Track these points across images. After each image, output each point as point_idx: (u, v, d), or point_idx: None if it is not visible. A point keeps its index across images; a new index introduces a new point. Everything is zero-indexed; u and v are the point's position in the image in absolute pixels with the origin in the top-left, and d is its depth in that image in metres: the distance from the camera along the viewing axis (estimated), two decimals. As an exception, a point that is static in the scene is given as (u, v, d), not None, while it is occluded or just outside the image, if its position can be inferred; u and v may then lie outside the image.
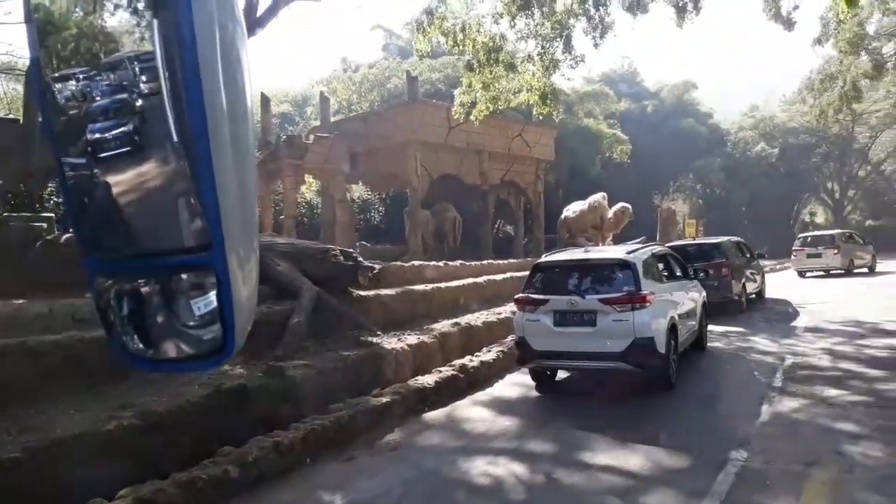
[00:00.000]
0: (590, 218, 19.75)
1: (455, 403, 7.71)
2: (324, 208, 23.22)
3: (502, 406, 7.68)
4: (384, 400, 7.00)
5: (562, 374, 8.98)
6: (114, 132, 1.20)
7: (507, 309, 12.30)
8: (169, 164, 1.18)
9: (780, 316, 13.78)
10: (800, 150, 46.11)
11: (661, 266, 9.39)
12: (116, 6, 1.35)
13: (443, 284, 12.06)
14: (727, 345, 11.10)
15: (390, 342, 8.77)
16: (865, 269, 24.46)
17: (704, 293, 11.01)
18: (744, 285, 15.63)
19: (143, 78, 1.19)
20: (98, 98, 1.21)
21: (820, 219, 54.67)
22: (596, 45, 17.15)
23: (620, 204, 20.71)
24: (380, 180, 24.19)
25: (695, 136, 42.64)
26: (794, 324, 12.62)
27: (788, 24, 21.70)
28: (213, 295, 1.17)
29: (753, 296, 16.81)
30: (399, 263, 12.91)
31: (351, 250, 10.61)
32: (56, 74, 1.26)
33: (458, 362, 8.57)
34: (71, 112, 1.24)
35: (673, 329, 8.23)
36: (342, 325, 8.88)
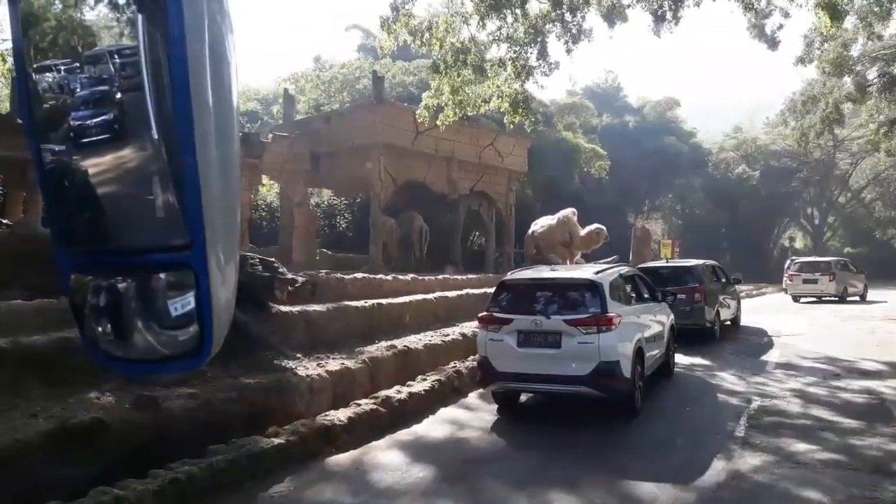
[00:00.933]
0: (558, 234, 18.77)
1: (370, 445, 6.64)
2: (283, 212, 22.12)
3: (424, 450, 6.62)
4: (278, 441, 5.92)
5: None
6: (95, 121, 1.20)
7: (458, 330, 11.31)
8: (152, 159, 1.18)
9: (753, 348, 12.88)
10: (781, 174, 45.71)
11: (628, 287, 9.11)
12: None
13: (385, 301, 10.98)
14: (694, 378, 10.18)
15: (308, 367, 7.70)
16: (857, 298, 24.46)
17: (672, 316, 10.64)
18: (718, 312, 14.77)
19: (128, 71, 1.19)
20: (79, 89, 1.22)
21: (799, 244, 54.39)
22: (568, 51, 16.30)
23: (595, 225, 19.69)
24: (343, 184, 23.13)
25: (676, 155, 42.03)
26: (765, 357, 11.71)
27: (773, 43, 20.98)
28: (191, 295, 1.18)
29: (728, 322, 16.00)
30: (339, 275, 11.83)
31: (272, 259, 9.52)
32: (37, 65, 1.26)
33: (383, 394, 7.51)
34: (51, 101, 1.25)
35: (639, 353, 8.02)
36: (252, 347, 7.78)
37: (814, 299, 23.98)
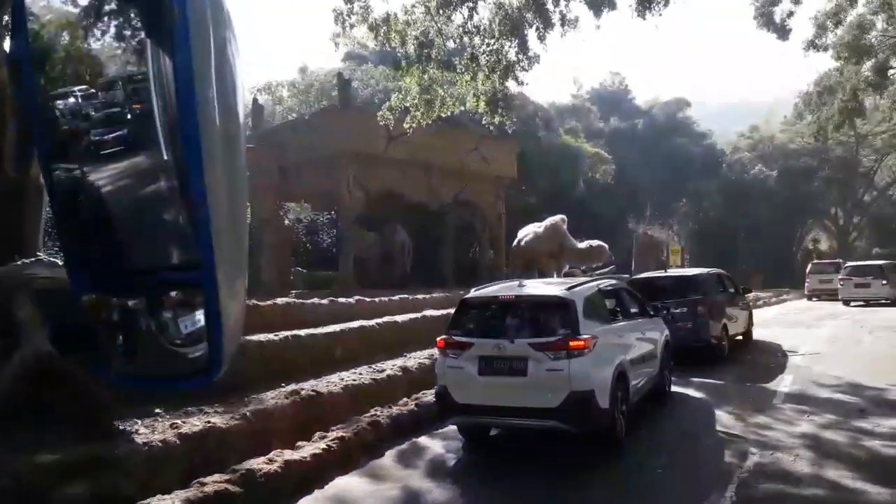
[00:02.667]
0: (545, 244, 16.89)
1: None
2: (251, 230, 20.55)
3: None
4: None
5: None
6: (107, 147, 1.26)
7: (400, 363, 9.48)
8: (162, 180, 1.27)
9: (761, 372, 10.84)
10: (801, 174, 43.29)
11: (611, 303, 8.16)
12: (108, 28, 1.43)
13: (303, 332, 9.13)
14: (683, 415, 8.26)
15: (157, 430, 5.92)
16: None
17: (667, 333, 9.42)
18: (725, 327, 12.80)
19: (137, 96, 1.30)
20: (92, 114, 1.29)
21: (824, 246, 51.68)
22: (541, 38, 14.50)
23: (596, 242, 17.86)
24: (314, 198, 21.48)
25: (688, 158, 39.97)
26: (774, 385, 9.68)
27: (783, 31, 19.07)
28: (200, 313, 1.22)
29: (740, 337, 14.06)
30: (299, 301, 10.10)
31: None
32: (52, 92, 1.36)
33: (247, 465, 5.69)
34: (64, 126, 1.30)
35: (622, 378, 7.02)
36: (88, 401, 6.01)
37: (863, 303, 23.81)
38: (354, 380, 8.32)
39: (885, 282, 23.71)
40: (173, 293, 1.23)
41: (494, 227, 22.20)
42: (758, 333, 15.11)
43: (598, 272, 17.60)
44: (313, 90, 27.25)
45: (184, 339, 1.23)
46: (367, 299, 12.89)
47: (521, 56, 15.47)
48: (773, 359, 12.06)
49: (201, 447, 5.94)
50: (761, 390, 9.41)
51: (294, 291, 18.01)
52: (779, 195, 42.03)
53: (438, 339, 7.18)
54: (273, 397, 7.23)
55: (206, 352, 1.19)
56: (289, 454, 6.03)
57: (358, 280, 20.96)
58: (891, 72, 18.57)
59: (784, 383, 9.78)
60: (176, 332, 1.23)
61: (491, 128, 17.20)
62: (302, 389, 7.56)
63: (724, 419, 7.92)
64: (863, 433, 7.01)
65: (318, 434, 6.72)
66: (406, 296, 13.87)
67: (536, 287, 7.61)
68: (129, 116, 1.23)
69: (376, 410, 7.61)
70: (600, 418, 6.46)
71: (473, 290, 7.84)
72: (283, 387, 7.77)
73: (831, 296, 27.56)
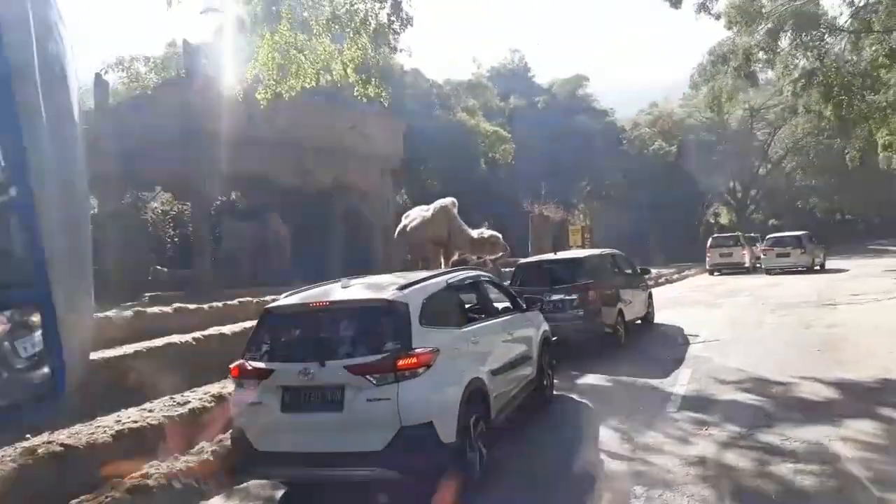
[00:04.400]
0: (431, 230, 15.09)
1: None
2: (95, 226, 17.85)
3: None
4: None
5: None
6: None
7: (216, 389, 7.44)
8: None
9: (658, 365, 9.45)
10: (700, 149, 43.53)
11: (465, 300, 6.53)
12: None
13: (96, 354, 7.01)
14: (559, 441, 6.67)
15: None
16: (818, 267, 26.11)
17: (545, 328, 7.99)
18: (620, 312, 11.56)
19: None
20: None
21: (724, 219, 52.68)
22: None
23: (490, 232, 16.07)
24: (167, 184, 18.93)
25: (588, 134, 39.26)
26: (670, 385, 8.27)
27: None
28: (39, 334, 1.12)
29: (639, 321, 12.93)
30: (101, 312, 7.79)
31: None
32: None
33: None
34: None
35: (476, 397, 5.42)
36: None
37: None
38: (136, 421, 6.27)
39: (802, 251, 25.43)
40: (7, 313, 1.05)
41: (381, 212, 20.26)
42: (659, 316, 13.99)
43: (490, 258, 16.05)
44: (173, 64, 24.30)
45: (23, 363, 1.06)
46: (208, 306, 10.74)
47: (392, 17, 13.62)
48: (672, 348, 10.78)
49: None
50: (655, 393, 7.99)
51: (147, 295, 15.62)
52: (680, 171, 42.10)
53: (232, 365, 5.37)
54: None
55: (49, 376, 1.09)
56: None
57: (231, 277, 18.68)
58: (783, 33, 17.82)
59: (681, 380, 8.42)
60: (14, 357, 1.06)
61: (364, 100, 15.22)
62: (50, 442, 5.48)
63: (609, 440, 6.38)
64: (771, 452, 5.59)
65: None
66: (259, 298, 11.72)
67: (361, 288, 5.75)
68: None
69: (151, 465, 5.61)
70: (442, 458, 4.86)
71: (284, 295, 5.96)
72: (29, 438, 5.66)
73: (732, 269, 27.34)
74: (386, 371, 4.68)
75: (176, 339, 8.41)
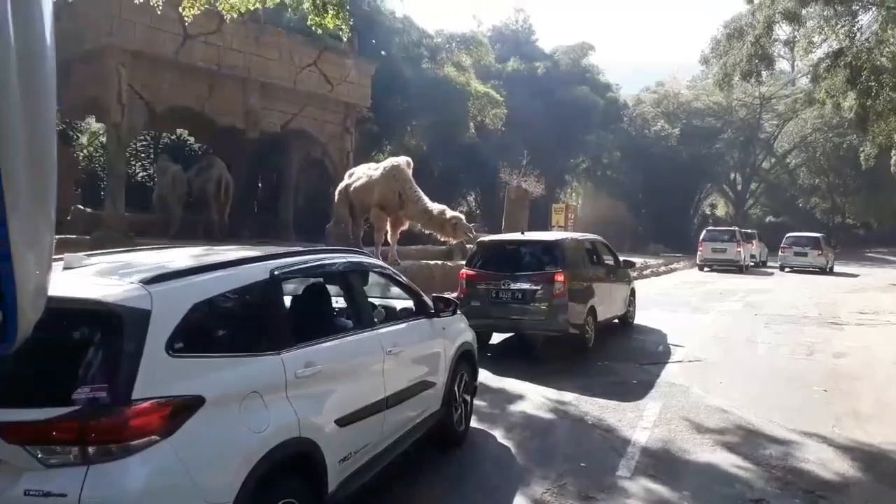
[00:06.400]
0: (378, 191, 12.77)
1: None
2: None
3: None
4: None
5: None
6: None
7: None
8: None
9: (620, 392, 7.37)
10: (704, 135, 41.22)
11: (307, 305, 4.18)
12: None
13: None
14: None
15: None
16: (826, 269, 26.29)
17: (467, 338, 5.78)
18: (592, 310, 9.55)
19: None
20: None
21: (721, 212, 50.61)
22: None
23: (452, 212, 13.15)
24: (83, 110, 16.53)
25: (589, 107, 36.66)
26: (629, 429, 6.11)
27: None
28: None
29: (617, 321, 11.10)
30: None
31: None
32: None
33: None
34: None
35: (290, 471, 3.19)
36: None
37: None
38: None
39: (819, 252, 25.99)
40: None
41: (340, 167, 17.92)
42: (640, 316, 11.98)
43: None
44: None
45: None
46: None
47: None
48: (644, 366, 8.69)
49: None
50: (608, 437, 5.88)
51: (56, 237, 13.33)
52: (680, 155, 39.80)
53: None
54: None
55: (1, 319, 1.02)
56: None
57: (163, 225, 16.48)
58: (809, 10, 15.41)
59: (646, 419, 6.32)
60: None
61: (319, 31, 12.78)
62: None
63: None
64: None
65: None
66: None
67: (88, 276, 3.04)
68: None
69: None
70: None
71: None
72: None
73: (725, 266, 25.35)
74: (66, 440, 2.46)
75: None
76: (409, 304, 5.19)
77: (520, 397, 7.00)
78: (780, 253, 27.48)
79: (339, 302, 4.61)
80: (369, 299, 4.84)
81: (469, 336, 5.80)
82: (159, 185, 16.85)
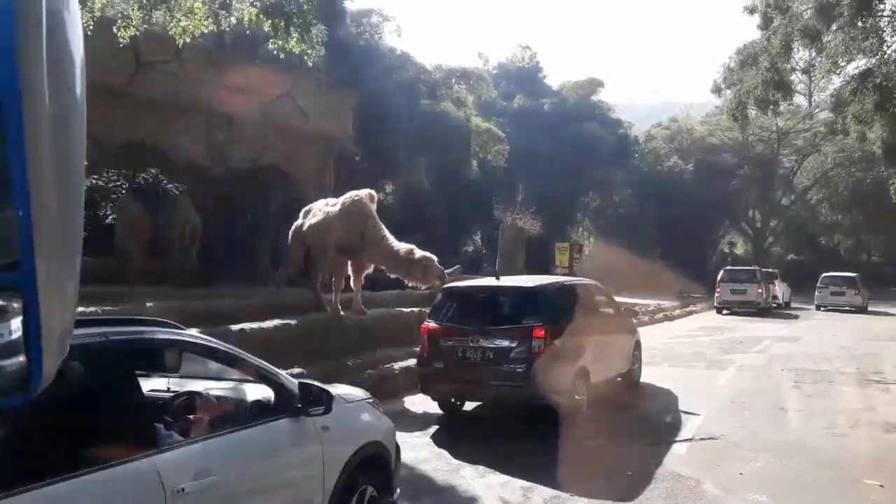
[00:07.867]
0: (339, 230, 11.09)
1: None
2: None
3: None
4: None
5: None
6: None
7: None
8: None
9: (609, 491, 5.65)
10: (720, 171, 39.56)
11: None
12: None
13: None
14: None
15: None
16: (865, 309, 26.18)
17: (378, 431, 4.26)
18: (583, 371, 7.94)
19: None
20: None
21: (739, 250, 48.57)
22: None
23: (422, 253, 10.57)
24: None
25: (598, 143, 35.29)
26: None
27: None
28: (18, 321, 1.02)
29: (619, 379, 9.35)
30: None
31: None
32: None
33: None
34: None
35: None
36: None
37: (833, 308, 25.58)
38: None
39: (856, 292, 25.93)
40: None
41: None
42: (647, 373, 10.24)
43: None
44: None
45: None
46: None
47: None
48: (646, 445, 6.95)
49: None
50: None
51: None
52: (695, 192, 38.14)
53: None
54: None
55: (24, 365, 0.96)
56: None
57: (121, 271, 14.99)
58: (837, 14, 13.88)
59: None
60: None
61: (281, 55, 11.45)
62: None
63: None
64: None
65: None
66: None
67: None
68: None
69: None
70: None
71: None
72: None
73: (745, 308, 23.46)
74: None
75: None
76: (269, 393, 3.51)
77: (472, 502, 5.28)
78: (816, 293, 27.23)
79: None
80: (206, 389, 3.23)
81: (379, 432, 4.11)
82: (117, 228, 15.51)
